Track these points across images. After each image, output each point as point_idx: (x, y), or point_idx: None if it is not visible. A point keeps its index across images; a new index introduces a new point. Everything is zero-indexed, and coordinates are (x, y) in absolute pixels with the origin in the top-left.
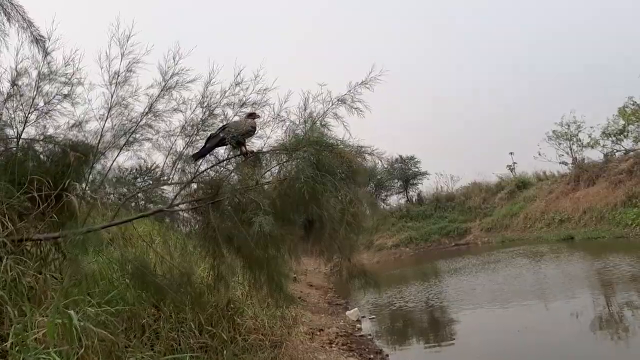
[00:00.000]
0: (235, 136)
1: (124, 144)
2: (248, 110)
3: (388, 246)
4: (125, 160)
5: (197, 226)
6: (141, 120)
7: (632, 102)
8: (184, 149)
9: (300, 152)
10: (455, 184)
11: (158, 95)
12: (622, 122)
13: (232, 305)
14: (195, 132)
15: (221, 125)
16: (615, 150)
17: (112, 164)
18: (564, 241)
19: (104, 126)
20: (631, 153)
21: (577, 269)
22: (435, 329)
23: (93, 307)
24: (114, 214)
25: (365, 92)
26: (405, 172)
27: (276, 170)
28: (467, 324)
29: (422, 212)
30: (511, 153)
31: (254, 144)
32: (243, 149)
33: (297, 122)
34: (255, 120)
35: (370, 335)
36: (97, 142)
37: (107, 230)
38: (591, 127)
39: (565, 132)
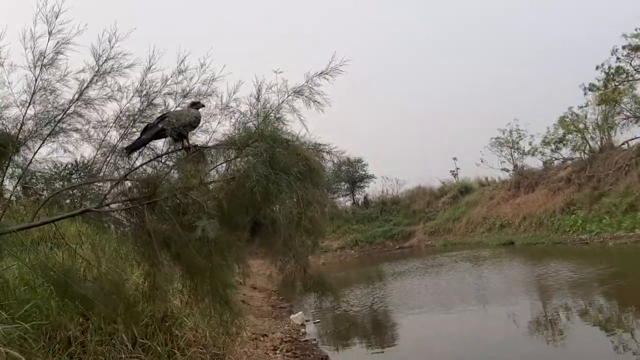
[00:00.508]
0: (177, 127)
1: (49, 134)
2: (192, 100)
3: (333, 248)
4: (49, 152)
5: (130, 229)
6: (69, 107)
7: (571, 113)
8: (118, 141)
9: (251, 148)
10: (400, 187)
11: (90, 81)
12: (561, 131)
13: (169, 316)
14: (131, 124)
15: (160, 114)
16: (554, 159)
17: (33, 157)
18: (504, 246)
19: (25, 113)
20: (569, 162)
21: (519, 273)
22: (379, 332)
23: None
24: (34, 214)
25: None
26: (352, 175)
27: (223, 169)
28: (411, 328)
29: (368, 215)
30: (454, 158)
31: (198, 138)
32: (185, 142)
33: (249, 115)
34: (200, 110)
35: (315, 340)
36: (17, 130)
37: (39, 229)
38: (532, 135)
39: (507, 140)
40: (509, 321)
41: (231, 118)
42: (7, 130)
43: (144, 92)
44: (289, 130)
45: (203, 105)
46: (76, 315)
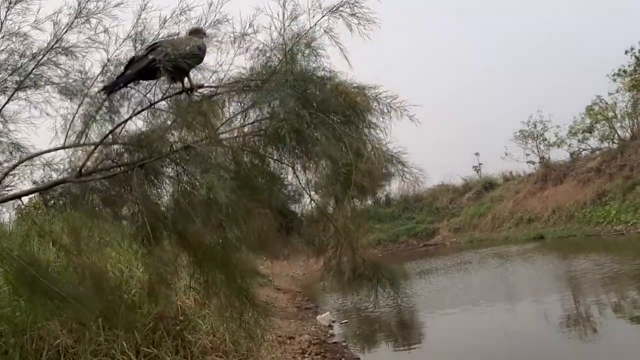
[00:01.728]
0: (173, 58)
1: (18, 88)
2: (191, 27)
3: None
4: (17, 110)
5: (120, 206)
6: (44, 56)
7: (600, 100)
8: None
9: (275, 81)
10: (421, 185)
11: (70, 24)
12: (588, 120)
13: (180, 319)
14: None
15: (150, 44)
16: (581, 149)
17: None
18: (534, 240)
19: None
20: (598, 152)
21: (554, 268)
22: (409, 333)
23: None
24: None
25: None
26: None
27: (238, 122)
28: (441, 328)
29: (390, 213)
30: (477, 154)
31: (202, 80)
32: (186, 81)
33: (270, 47)
34: (204, 40)
35: (344, 341)
36: None
37: None
38: (557, 126)
39: (532, 132)
40: (541, 318)
41: (247, 51)
42: None
43: (137, 37)
44: (324, 66)
45: (205, 34)
46: (68, 322)
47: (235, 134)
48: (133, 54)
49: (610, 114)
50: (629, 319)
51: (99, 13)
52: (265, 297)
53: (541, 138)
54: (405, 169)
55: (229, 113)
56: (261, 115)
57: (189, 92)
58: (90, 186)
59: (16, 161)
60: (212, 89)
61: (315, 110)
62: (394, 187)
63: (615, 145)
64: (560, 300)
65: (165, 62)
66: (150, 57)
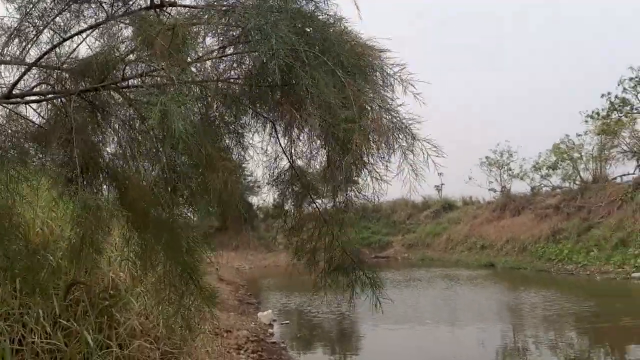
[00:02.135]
0: None
1: None
2: None
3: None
4: None
5: (51, 143)
6: None
7: (568, 140)
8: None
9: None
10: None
11: None
12: (554, 158)
13: (111, 292)
14: None
15: None
16: (542, 185)
17: None
18: (485, 267)
19: None
20: (558, 190)
21: (500, 297)
22: (348, 342)
23: None
24: None
25: None
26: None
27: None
28: (380, 341)
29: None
30: (440, 174)
31: None
32: None
33: None
34: None
35: (283, 342)
36: None
37: None
38: (523, 158)
39: (498, 160)
40: (481, 345)
41: None
42: None
43: None
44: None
45: None
46: None
47: (210, 70)
48: None
49: (576, 155)
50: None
51: None
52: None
53: (506, 168)
54: (416, 142)
55: (203, 46)
56: (244, 48)
57: (159, 8)
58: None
59: None
60: (188, 8)
61: (314, 50)
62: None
63: (576, 186)
64: (503, 330)
65: None
66: None
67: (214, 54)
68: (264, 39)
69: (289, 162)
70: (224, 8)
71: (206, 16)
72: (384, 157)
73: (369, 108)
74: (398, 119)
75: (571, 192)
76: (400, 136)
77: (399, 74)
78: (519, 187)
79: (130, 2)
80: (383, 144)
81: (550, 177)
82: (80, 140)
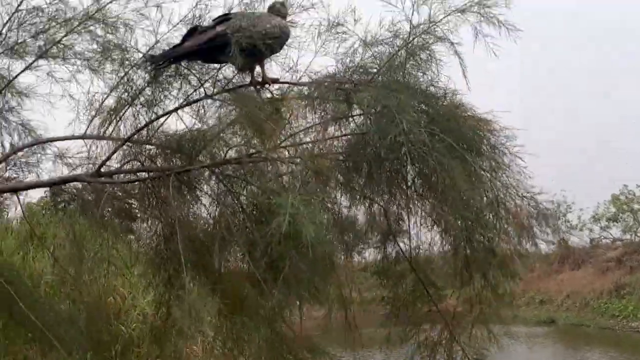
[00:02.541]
0: (250, 35)
1: (39, 55)
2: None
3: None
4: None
5: (138, 220)
6: (78, 25)
7: (627, 191)
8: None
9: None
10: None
11: None
12: (613, 209)
13: None
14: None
15: (220, 15)
16: (602, 237)
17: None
18: (545, 324)
19: (7, 21)
20: (619, 242)
21: None
22: None
23: None
24: None
25: None
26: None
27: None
28: None
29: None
30: None
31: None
32: (258, 70)
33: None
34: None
35: None
36: None
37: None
38: (580, 209)
39: (555, 212)
40: None
41: (339, 44)
42: None
43: (194, 22)
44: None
45: (285, 12)
46: None
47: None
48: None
49: (636, 206)
50: None
51: None
52: None
53: (564, 219)
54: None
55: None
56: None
57: (260, 86)
58: (107, 190)
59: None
60: (294, 86)
61: (436, 129)
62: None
63: (637, 238)
64: None
65: (240, 37)
66: (220, 29)
67: (319, 132)
68: (390, 121)
69: (402, 254)
70: (330, 84)
71: (314, 92)
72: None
73: (502, 196)
74: (539, 206)
75: (633, 245)
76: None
77: (508, 146)
78: (578, 239)
79: (229, 81)
80: (525, 238)
81: (610, 229)
82: (167, 218)
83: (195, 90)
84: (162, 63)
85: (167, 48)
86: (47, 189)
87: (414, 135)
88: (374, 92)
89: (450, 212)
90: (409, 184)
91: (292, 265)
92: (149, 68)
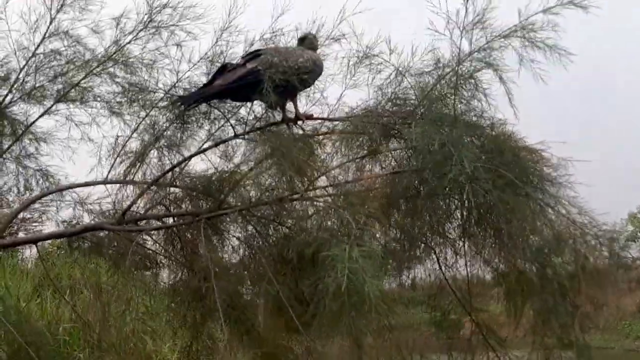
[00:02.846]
0: (282, 71)
1: (58, 99)
2: (301, 34)
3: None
4: (54, 127)
5: (170, 267)
6: (97, 66)
7: None
8: (165, 126)
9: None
10: None
11: (137, 32)
12: (631, 228)
13: None
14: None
15: (251, 51)
16: (622, 257)
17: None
18: (566, 346)
19: (24, 65)
20: (639, 262)
21: None
22: None
23: None
24: (4, 226)
25: None
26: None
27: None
28: None
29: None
30: None
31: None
32: (290, 106)
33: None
34: (318, 52)
35: None
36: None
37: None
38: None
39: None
40: None
41: (374, 76)
42: None
43: (215, 59)
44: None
45: (316, 44)
46: None
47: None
48: (205, 79)
49: None
50: None
51: (173, 25)
52: None
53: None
54: None
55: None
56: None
57: (293, 123)
58: (132, 238)
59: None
60: (330, 121)
61: (494, 164)
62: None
63: None
64: None
65: (272, 74)
66: (250, 65)
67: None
68: (445, 158)
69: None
70: (370, 117)
71: (353, 127)
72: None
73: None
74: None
75: None
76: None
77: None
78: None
79: (259, 118)
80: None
81: (629, 249)
82: (195, 264)
83: (219, 128)
84: (193, 104)
85: (189, 86)
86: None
87: (474, 173)
88: (423, 126)
89: (519, 255)
90: (466, 223)
91: (349, 323)
92: (178, 109)
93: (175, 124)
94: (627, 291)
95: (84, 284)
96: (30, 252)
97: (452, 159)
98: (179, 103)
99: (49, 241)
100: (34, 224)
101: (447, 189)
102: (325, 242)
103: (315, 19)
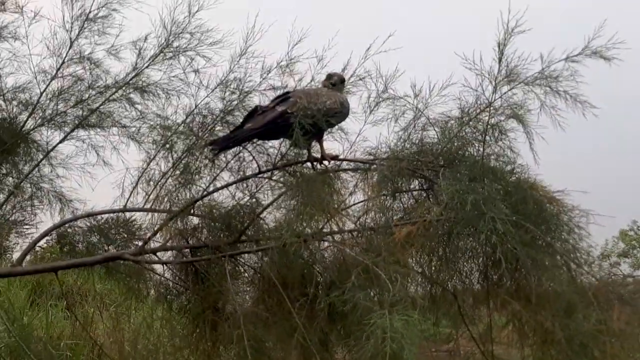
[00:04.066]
0: (312, 114)
1: (77, 124)
2: (328, 73)
3: None
4: (73, 152)
5: (188, 298)
6: (116, 91)
7: (636, 227)
8: (183, 156)
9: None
10: None
11: (154, 57)
12: (622, 245)
13: None
14: (210, 126)
15: (279, 93)
16: (612, 274)
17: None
18: None
19: (45, 89)
20: (630, 279)
21: None
22: None
23: None
24: (22, 255)
25: None
26: None
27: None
28: None
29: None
30: None
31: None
32: (319, 148)
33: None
34: (344, 92)
35: None
36: (27, 114)
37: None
38: (590, 245)
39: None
40: None
41: (396, 117)
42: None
43: (230, 84)
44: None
45: (343, 81)
46: None
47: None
48: (221, 104)
49: None
50: None
51: (191, 50)
52: None
53: (584, 259)
54: None
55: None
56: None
57: (319, 162)
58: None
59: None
60: (356, 163)
61: (521, 219)
62: None
63: None
64: None
65: (301, 118)
66: (280, 109)
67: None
68: (476, 212)
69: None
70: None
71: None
72: None
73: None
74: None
75: None
76: None
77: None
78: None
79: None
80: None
81: (619, 266)
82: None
83: (244, 163)
84: (225, 148)
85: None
86: (54, 232)
87: (504, 231)
88: (453, 182)
89: (546, 314)
90: (490, 274)
91: None
92: (211, 153)
93: (204, 165)
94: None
95: (77, 291)
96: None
97: (483, 217)
98: (211, 147)
99: (44, 246)
100: (26, 227)
101: (476, 244)
102: (358, 296)
103: (345, 65)
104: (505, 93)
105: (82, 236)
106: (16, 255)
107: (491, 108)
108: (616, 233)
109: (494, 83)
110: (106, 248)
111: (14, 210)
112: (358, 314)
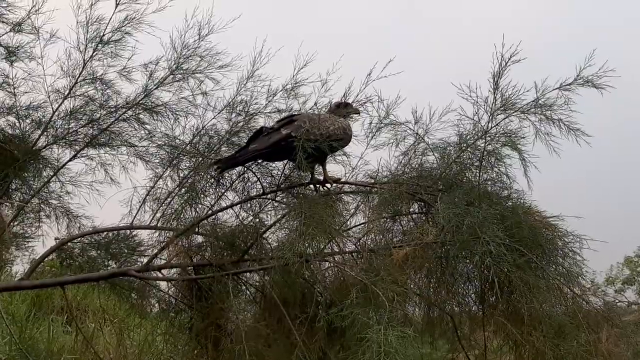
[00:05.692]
0: (315, 139)
1: (87, 143)
2: (335, 102)
3: None
4: (82, 170)
5: (190, 315)
6: (126, 111)
7: None
8: (190, 174)
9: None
10: None
11: (163, 79)
12: (627, 271)
13: None
14: (217, 147)
15: (284, 115)
16: (617, 300)
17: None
18: None
19: (57, 108)
20: (635, 306)
21: None
22: None
23: None
24: (30, 270)
25: None
26: None
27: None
28: None
29: None
30: None
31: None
32: (322, 170)
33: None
34: (351, 117)
35: None
36: (39, 132)
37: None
38: (594, 271)
39: None
40: None
41: (397, 141)
42: (24, 131)
43: (237, 106)
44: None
45: (358, 111)
46: None
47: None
48: (227, 125)
49: None
50: None
51: (200, 73)
52: None
53: (576, 282)
54: None
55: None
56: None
57: (321, 185)
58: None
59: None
60: (357, 186)
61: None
62: None
63: None
64: None
65: (305, 140)
66: (285, 132)
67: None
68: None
69: None
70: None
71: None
72: None
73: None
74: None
75: None
76: None
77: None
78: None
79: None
80: None
81: (624, 292)
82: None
83: (248, 184)
84: (229, 167)
85: (213, 133)
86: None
87: (499, 255)
88: (450, 205)
89: (537, 335)
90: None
91: None
92: (215, 172)
93: (209, 184)
94: (623, 335)
95: (76, 305)
96: (22, 269)
97: (478, 240)
98: (216, 167)
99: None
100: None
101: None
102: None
103: (346, 90)
104: (500, 122)
105: (81, 250)
106: (16, 268)
107: (487, 135)
108: (621, 259)
109: (489, 112)
110: (106, 263)
111: (17, 223)
112: (356, 329)
